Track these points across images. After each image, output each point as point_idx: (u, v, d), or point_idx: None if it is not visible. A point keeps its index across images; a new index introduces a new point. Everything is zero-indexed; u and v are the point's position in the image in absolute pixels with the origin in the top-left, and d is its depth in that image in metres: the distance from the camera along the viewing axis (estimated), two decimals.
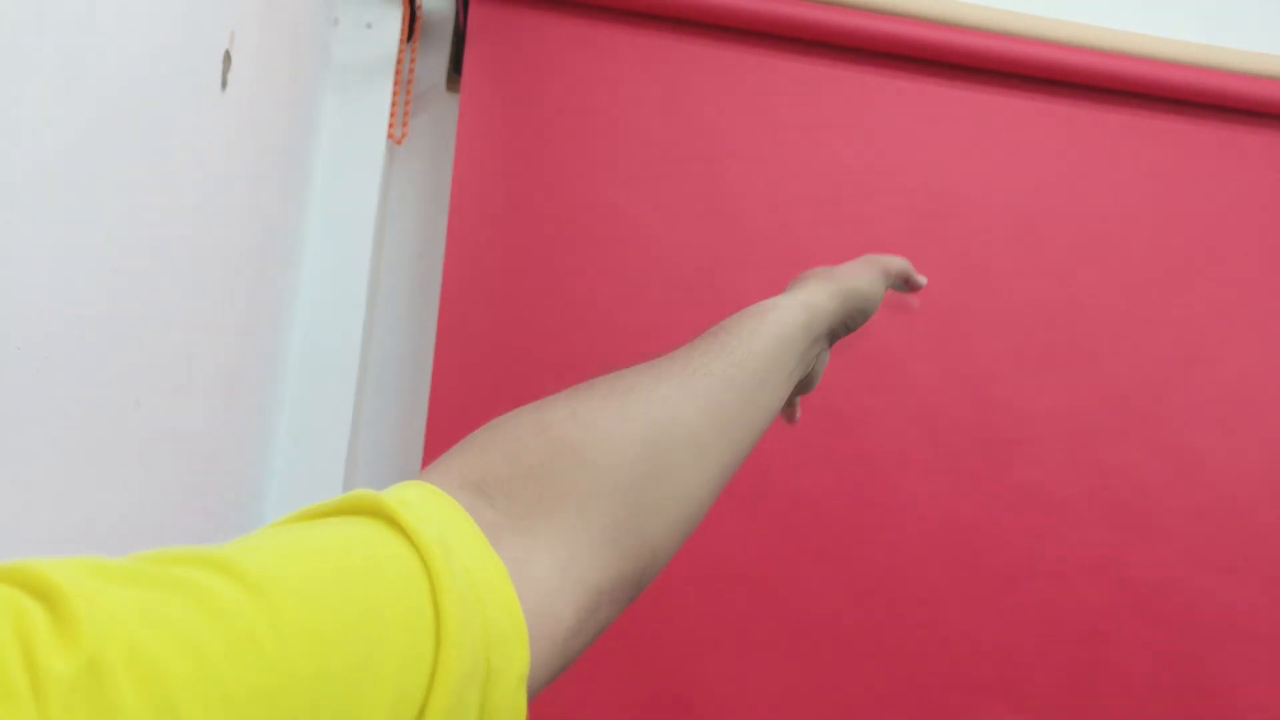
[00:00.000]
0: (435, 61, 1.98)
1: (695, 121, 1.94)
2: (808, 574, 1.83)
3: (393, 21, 1.87)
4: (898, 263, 0.71)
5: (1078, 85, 2.08)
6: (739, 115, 1.96)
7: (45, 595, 0.24)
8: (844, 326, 0.67)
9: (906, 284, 0.73)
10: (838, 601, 1.83)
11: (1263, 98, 2.08)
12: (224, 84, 1.22)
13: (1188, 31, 2.18)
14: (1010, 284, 2.00)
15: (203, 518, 1.30)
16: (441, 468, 0.45)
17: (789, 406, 0.68)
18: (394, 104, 1.87)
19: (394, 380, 1.85)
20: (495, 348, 1.78)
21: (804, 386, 0.67)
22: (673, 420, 0.50)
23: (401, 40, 1.87)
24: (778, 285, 1.90)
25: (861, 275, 0.69)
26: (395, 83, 1.87)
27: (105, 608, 0.25)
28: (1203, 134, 2.12)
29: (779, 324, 0.62)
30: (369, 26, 1.87)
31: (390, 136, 1.86)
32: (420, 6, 1.90)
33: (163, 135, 1.04)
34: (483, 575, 0.36)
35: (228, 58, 1.22)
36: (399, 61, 1.87)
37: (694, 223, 1.90)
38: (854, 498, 1.87)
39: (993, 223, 2.02)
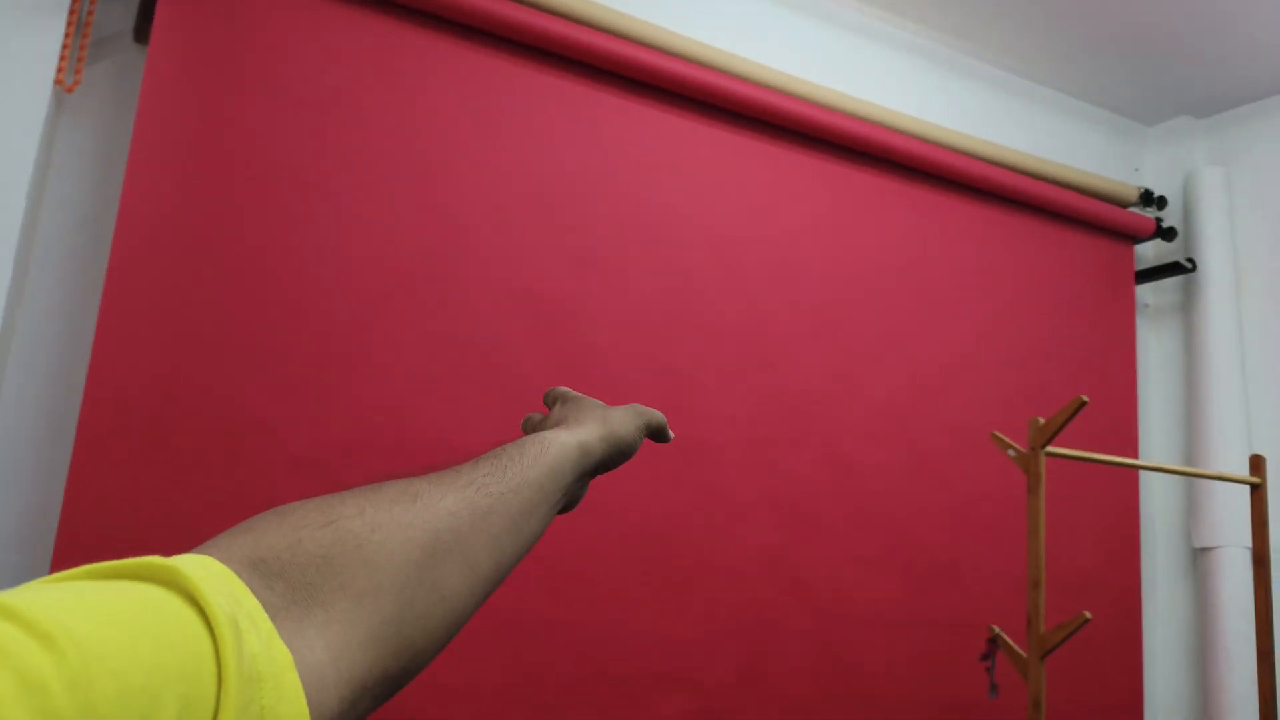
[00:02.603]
0: (123, 7, 1.78)
1: (413, 111, 1.90)
2: (513, 574, 1.85)
3: None
4: (658, 418, 0.81)
5: (779, 127, 2.30)
6: (462, 112, 1.94)
7: None
8: (604, 467, 0.75)
9: (659, 436, 0.82)
10: (537, 599, 1.86)
11: (916, 155, 2.41)
12: None
13: (868, 91, 2.49)
14: (709, 298, 2.16)
15: None
16: (224, 544, 0.45)
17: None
18: (66, 46, 1.65)
19: (42, 369, 1.62)
20: (166, 332, 1.61)
21: (563, 510, 0.74)
22: (452, 532, 0.53)
23: None
24: (496, 281, 1.90)
25: (628, 425, 0.78)
26: (69, 23, 1.66)
27: None
28: (868, 181, 2.43)
29: (556, 459, 0.68)
30: None
31: (59, 82, 1.64)
32: None
33: None
34: (267, 660, 0.37)
35: None
36: (75, 0, 1.66)
37: (407, 210, 1.86)
38: None
39: (697, 241, 2.16)
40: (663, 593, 1.99)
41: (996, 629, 1.80)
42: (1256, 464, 2.13)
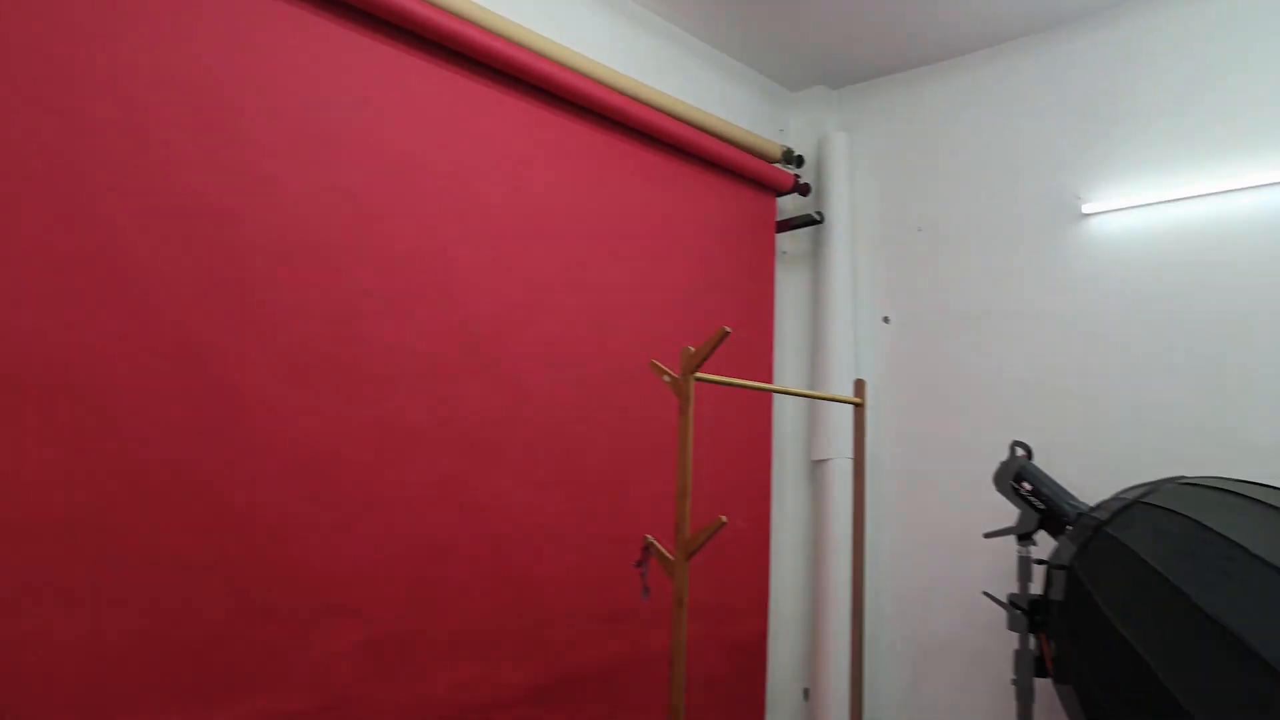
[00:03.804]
0: None
1: None
2: (146, 517, 1.69)
3: None
4: None
5: (458, 53, 2.25)
6: None
7: None
8: None
9: None
10: (181, 543, 1.73)
11: (593, 96, 2.51)
12: None
13: (546, 27, 2.53)
14: (381, 225, 2.09)
15: None
16: None
17: None
18: None
19: None
20: None
21: None
22: None
23: None
24: (132, 192, 1.67)
25: None
26: None
27: None
28: (548, 119, 2.48)
29: None
30: None
31: None
32: None
33: None
34: None
35: None
36: None
37: (15, 105, 1.58)
38: (205, 434, 1.77)
39: (369, 164, 2.08)
40: (327, 525, 1.95)
41: (650, 538, 1.99)
42: (859, 388, 2.54)
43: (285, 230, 1.93)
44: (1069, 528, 2.24)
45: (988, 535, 2.49)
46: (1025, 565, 2.36)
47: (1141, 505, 2.02)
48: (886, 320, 3.19)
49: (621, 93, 2.61)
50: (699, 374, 1.97)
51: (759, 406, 3.10)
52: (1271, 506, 1.88)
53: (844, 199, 3.25)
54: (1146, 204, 2.65)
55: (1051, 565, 2.16)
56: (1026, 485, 2.38)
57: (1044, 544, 2.69)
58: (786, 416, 3.31)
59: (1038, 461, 2.77)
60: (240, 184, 1.86)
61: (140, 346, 1.70)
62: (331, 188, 2.01)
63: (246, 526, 1.82)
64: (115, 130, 1.70)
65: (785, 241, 3.40)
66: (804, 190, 3.28)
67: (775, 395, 3.23)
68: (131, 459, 1.68)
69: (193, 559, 1.74)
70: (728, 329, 1.86)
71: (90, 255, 1.65)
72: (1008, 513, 2.82)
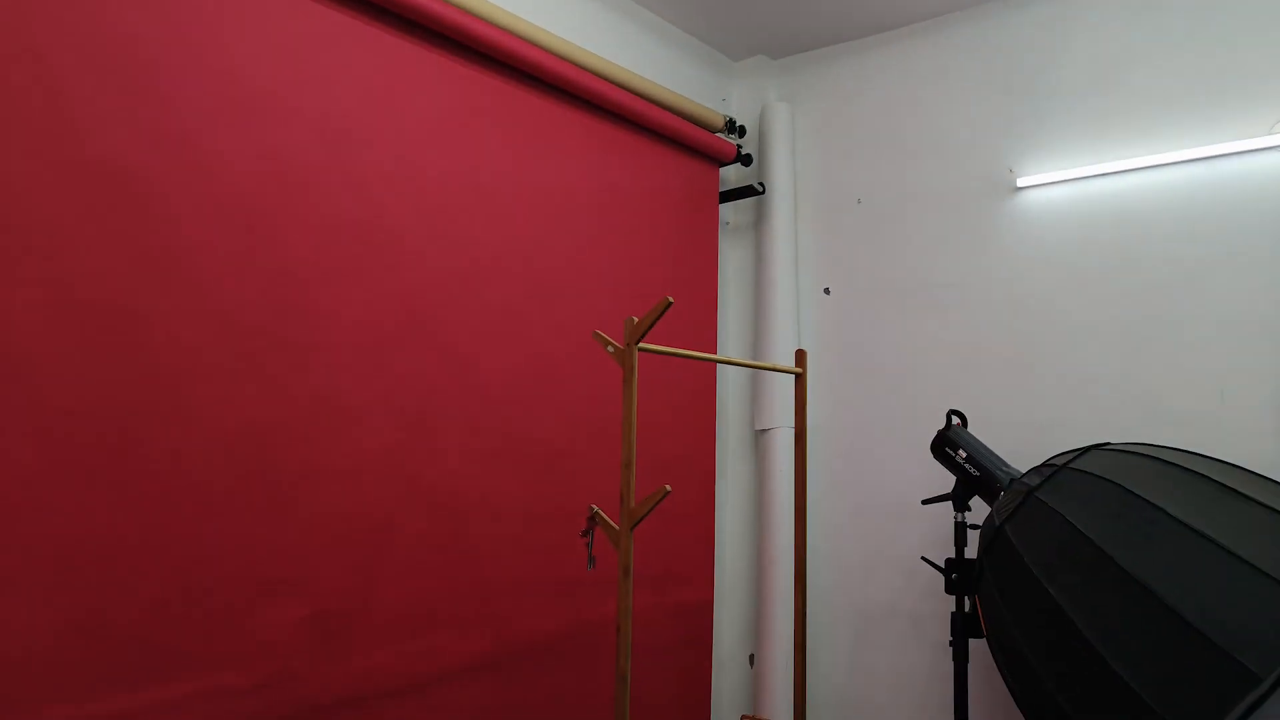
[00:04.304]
0: None
1: None
2: (71, 496, 1.63)
3: None
4: None
5: (399, 16, 2.19)
6: None
7: None
8: None
9: None
10: (109, 522, 1.67)
11: (536, 62, 2.46)
12: None
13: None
14: (319, 196, 2.03)
15: None
16: None
17: None
18: None
19: None
20: None
21: None
22: None
23: None
24: (45, 152, 1.59)
25: None
26: None
27: None
28: (492, 85, 2.44)
29: None
30: None
31: None
32: None
33: None
34: None
35: None
36: None
37: None
38: (135, 407, 1.71)
39: (307, 129, 2.01)
40: (265, 502, 1.90)
41: (596, 508, 1.99)
42: (800, 358, 2.57)
43: (215, 195, 1.86)
44: (1001, 493, 2.31)
45: (925, 502, 2.55)
46: (961, 530, 2.43)
47: (1069, 470, 2.09)
48: (827, 291, 3.22)
49: (564, 59, 2.57)
50: (643, 344, 1.97)
51: (703, 377, 3.12)
52: (1191, 471, 1.96)
53: (785, 170, 3.27)
54: (1078, 178, 2.72)
55: (984, 529, 2.23)
56: (962, 453, 2.44)
57: (979, 509, 2.77)
58: (730, 386, 3.34)
59: (973, 429, 2.85)
60: (164, 146, 1.79)
61: (60, 317, 1.63)
62: (264, 153, 1.94)
63: (180, 502, 1.77)
64: (30, 92, 1.61)
65: (728, 212, 3.41)
66: (746, 160, 3.29)
67: (719, 365, 3.25)
68: (53, 434, 1.61)
69: (125, 536, 1.69)
70: (671, 299, 1.86)
71: (5, 221, 1.57)
72: (945, 479, 2.90)
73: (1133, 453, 2.08)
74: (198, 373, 1.81)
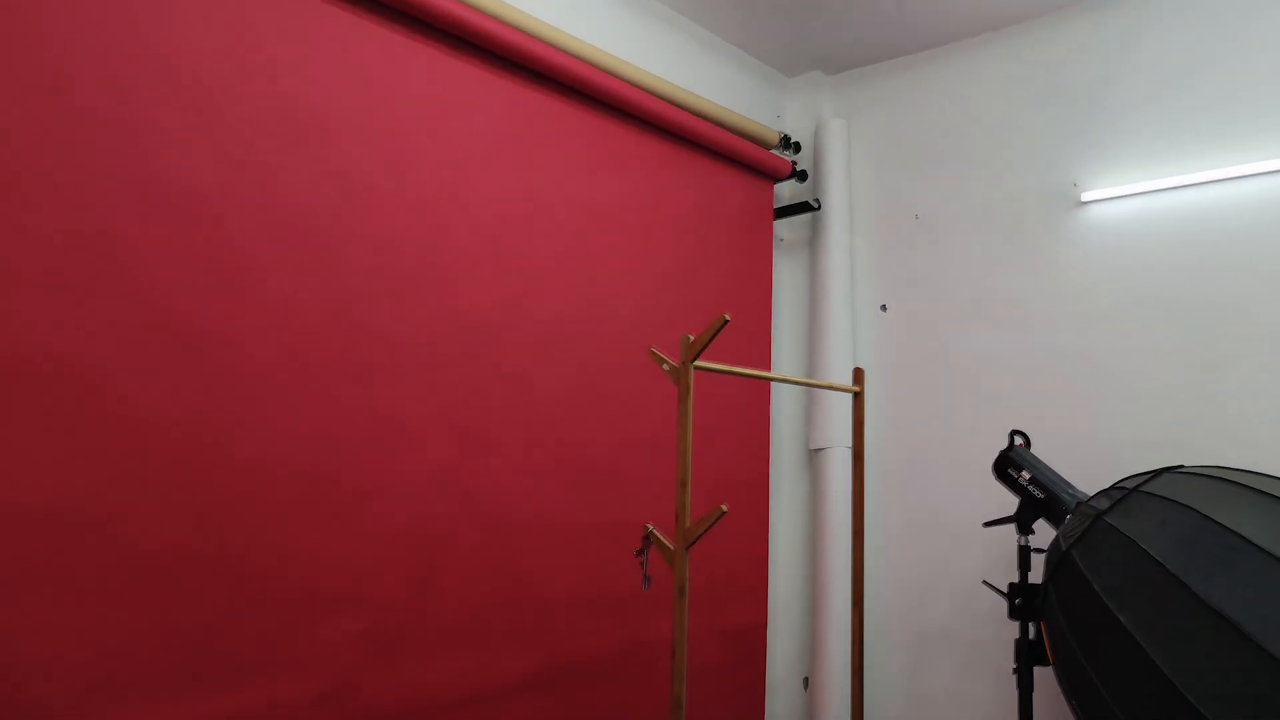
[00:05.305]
0: None
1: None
2: (145, 506, 1.67)
3: None
4: None
5: (458, 38, 2.23)
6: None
7: None
8: None
9: None
10: (180, 532, 1.71)
11: (592, 82, 2.48)
12: None
13: (548, 14, 2.50)
14: (378, 215, 2.07)
15: None
16: None
17: None
18: None
19: None
20: None
21: None
22: None
23: None
24: (123, 174, 1.65)
25: None
26: None
27: None
28: (547, 105, 2.46)
29: None
30: None
31: None
32: None
33: None
34: None
35: None
36: None
37: (5, 89, 1.56)
38: (203, 423, 1.75)
39: (366, 149, 2.05)
40: (327, 515, 1.93)
41: (650, 527, 1.98)
42: (857, 376, 2.53)
43: (280, 216, 1.90)
44: (1068, 516, 2.24)
45: (987, 524, 2.49)
46: (1025, 554, 2.36)
47: (1140, 494, 2.02)
48: (884, 308, 3.18)
49: (618, 77, 2.58)
50: (698, 362, 1.96)
51: (757, 395, 3.09)
52: (1271, 496, 1.88)
53: (841, 186, 3.24)
54: (1145, 191, 2.64)
55: (1050, 554, 2.16)
56: (1025, 474, 2.38)
57: (1043, 533, 2.69)
58: (784, 405, 3.30)
59: (1036, 449, 2.77)
60: (234, 170, 1.84)
61: (137, 334, 1.68)
62: (326, 173, 1.98)
63: (245, 515, 1.80)
64: (108, 117, 1.67)
65: (782, 228, 3.38)
66: (801, 177, 3.27)
67: (773, 384, 3.22)
68: (129, 447, 1.66)
69: (191, 548, 1.73)
70: (727, 317, 1.84)
71: (85, 243, 1.63)
72: (1007, 501, 2.82)
73: (1208, 476, 2.00)
74: (266, 389, 1.84)
